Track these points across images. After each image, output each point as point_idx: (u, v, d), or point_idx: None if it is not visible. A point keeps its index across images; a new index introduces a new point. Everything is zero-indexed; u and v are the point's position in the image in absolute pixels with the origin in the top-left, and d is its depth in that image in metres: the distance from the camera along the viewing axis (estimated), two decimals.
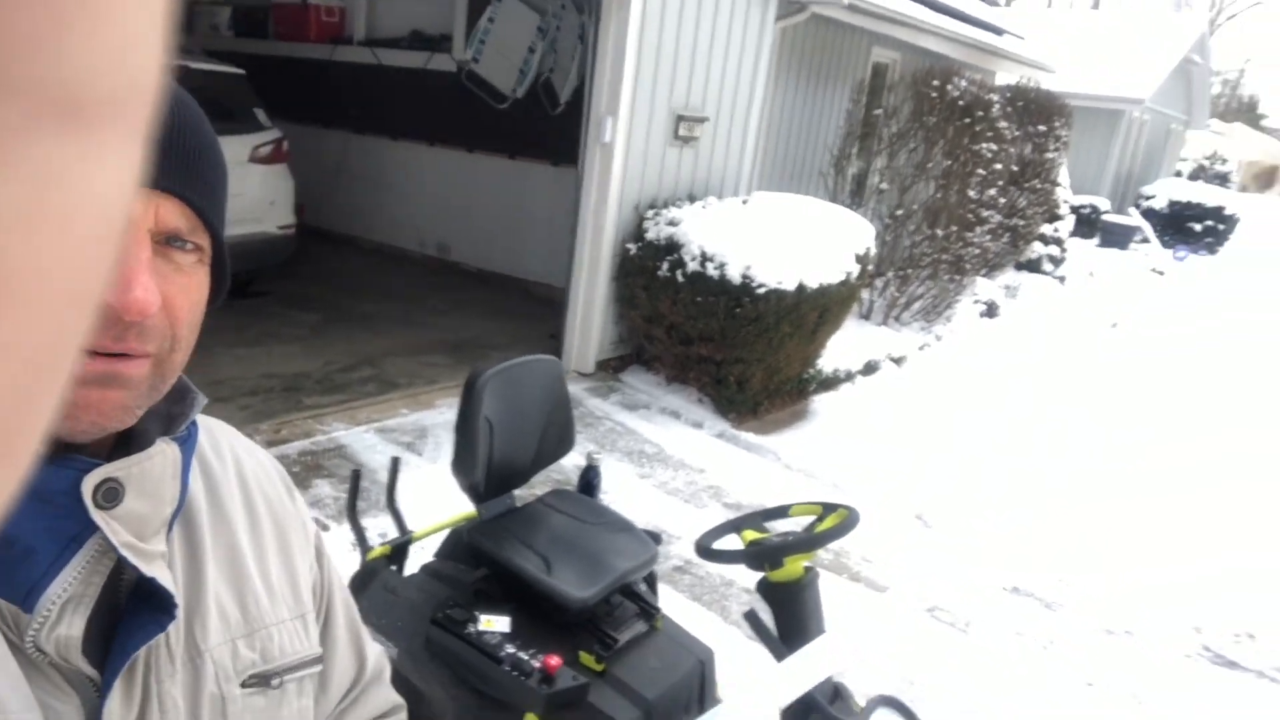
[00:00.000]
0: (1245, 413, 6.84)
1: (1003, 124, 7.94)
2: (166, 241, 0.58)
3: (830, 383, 5.84)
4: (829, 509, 2.19)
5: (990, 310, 8.45)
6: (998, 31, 10.03)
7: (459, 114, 7.34)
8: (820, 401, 5.64)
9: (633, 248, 5.37)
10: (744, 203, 5.71)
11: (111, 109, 0.15)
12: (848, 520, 2.08)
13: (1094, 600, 3.86)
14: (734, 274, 4.91)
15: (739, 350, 5.01)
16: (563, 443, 2.52)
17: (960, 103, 7.35)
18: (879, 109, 7.69)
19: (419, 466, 4.08)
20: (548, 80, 6.84)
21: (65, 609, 0.56)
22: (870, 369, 6.32)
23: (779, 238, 5.14)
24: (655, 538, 2.47)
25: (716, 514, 4.12)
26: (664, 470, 4.48)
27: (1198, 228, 15.02)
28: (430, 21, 7.59)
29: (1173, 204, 15.26)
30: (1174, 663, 3.50)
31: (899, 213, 7.41)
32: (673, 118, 5.65)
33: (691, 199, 5.80)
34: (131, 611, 0.61)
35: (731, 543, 2.16)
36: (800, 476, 4.66)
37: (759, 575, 2.06)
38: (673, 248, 5.16)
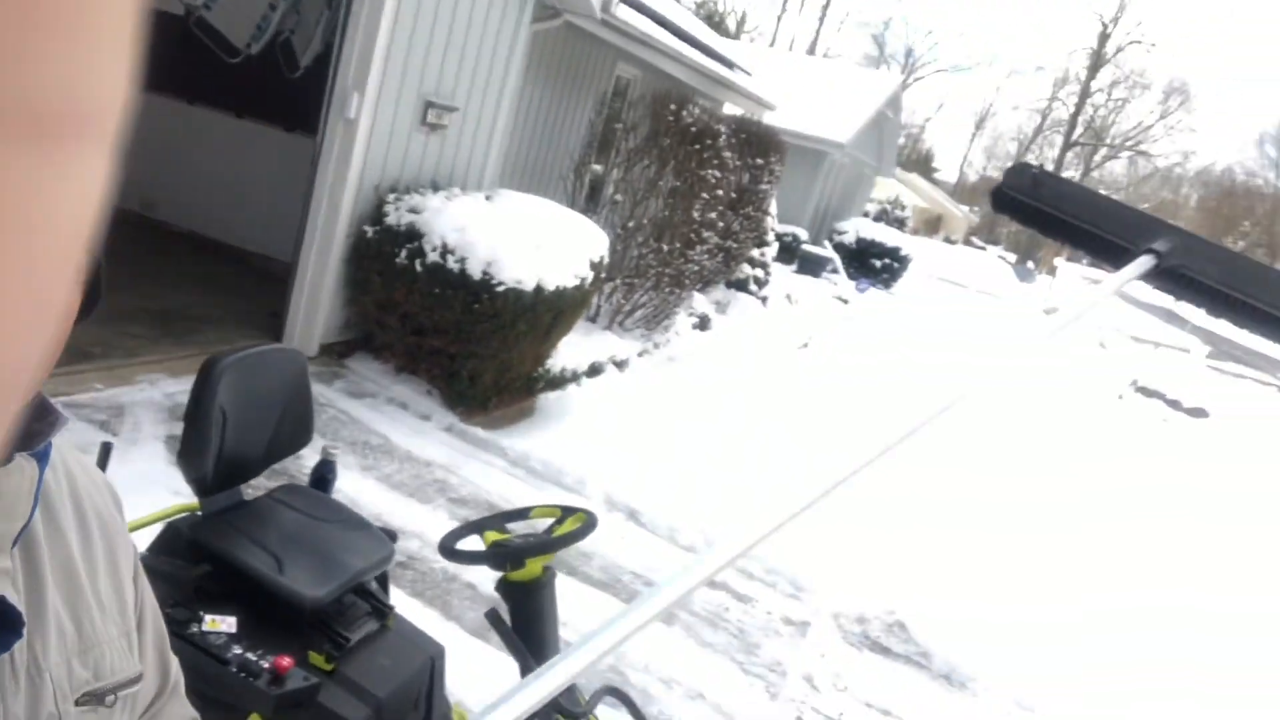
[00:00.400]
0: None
1: (728, 153, 8.59)
2: None
3: (557, 382, 6.03)
4: (568, 512, 2.33)
5: (703, 323, 9.10)
6: (729, 65, 10.83)
7: (181, 62, 6.69)
8: (547, 400, 5.81)
9: (370, 231, 5.22)
10: (488, 198, 5.75)
11: (80, 123, 0.15)
12: (586, 524, 2.22)
13: (782, 608, 4.34)
14: (474, 269, 4.94)
15: (474, 345, 5.05)
16: (299, 436, 2.45)
17: (693, 129, 7.87)
18: (619, 123, 8.04)
19: (117, 450, 3.71)
20: (288, 40, 6.44)
21: None
22: (595, 371, 6.60)
23: (521, 237, 5.24)
24: (391, 535, 2.47)
25: (442, 509, 4.14)
26: (389, 462, 4.42)
27: (878, 264, 17.12)
28: None
29: (860, 240, 17.27)
30: (834, 643, 4.04)
31: (630, 224, 7.79)
32: (422, 103, 5.56)
33: (435, 187, 5.73)
34: None
35: (474, 543, 2.23)
36: (526, 473, 4.79)
37: (497, 574, 2.15)
38: (413, 236, 5.09)
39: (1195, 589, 5.97)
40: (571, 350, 6.30)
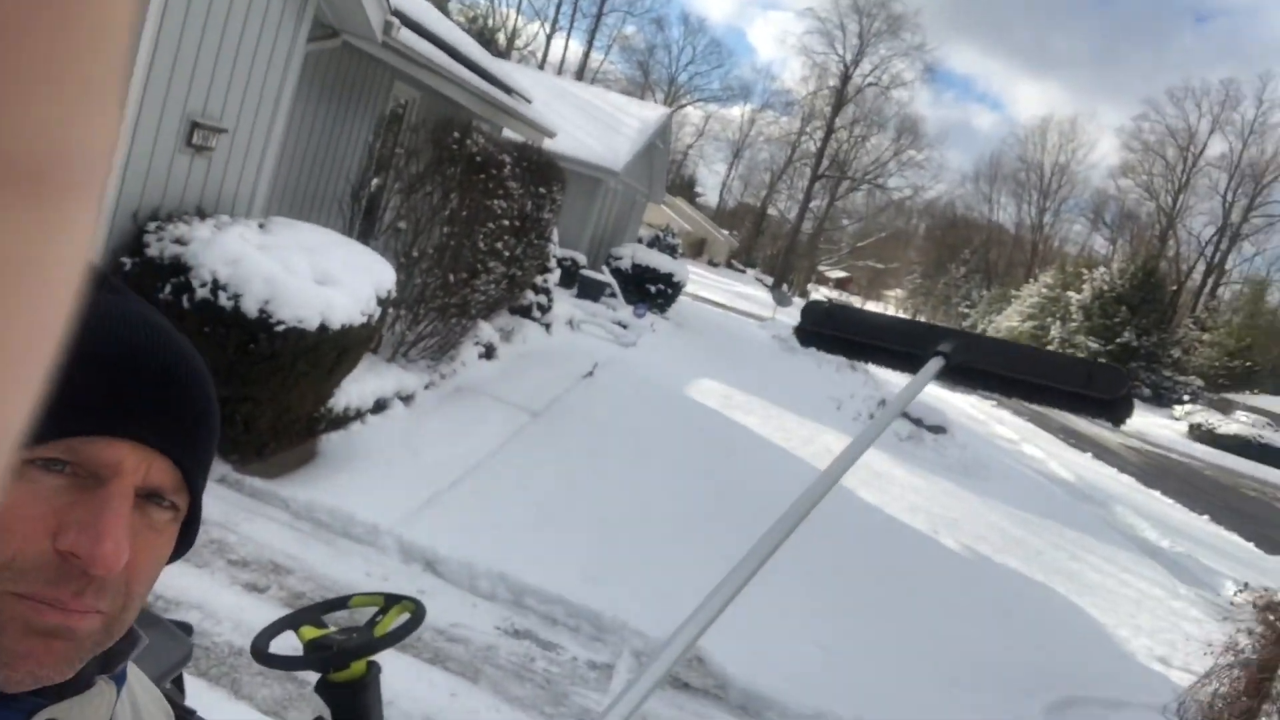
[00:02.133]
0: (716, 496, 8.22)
1: (512, 183, 8.56)
2: (146, 497, 0.57)
3: (340, 421, 5.72)
4: (392, 600, 2.18)
5: (489, 352, 8.99)
6: (509, 91, 10.81)
7: None
8: (330, 442, 5.51)
9: (128, 263, 4.72)
10: (262, 227, 5.37)
11: (66, 174, 0.16)
12: (415, 615, 2.09)
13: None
14: (250, 307, 4.59)
15: (249, 388, 4.68)
16: None
17: (478, 158, 7.78)
18: (400, 147, 7.79)
19: None
20: None
21: None
22: (380, 407, 6.33)
23: (302, 271, 4.94)
24: (185, 628, 2.23)
25: (221, 573, 3.80)
26: None
27: (653, 289, 17.67)
28: None
29: (635, 266, 17.76)
30: None
31: (414, 253, 7.56)
32: (187, 123, 5.11)
33: (201, 214, 5.28)
34: None
35: (289, 641, 2.05)
36: (312, 526, 4.50)
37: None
38: (179, 269, 4.66)
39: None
40: (355, 386, 6.01)
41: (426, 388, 7.33)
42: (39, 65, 0.14)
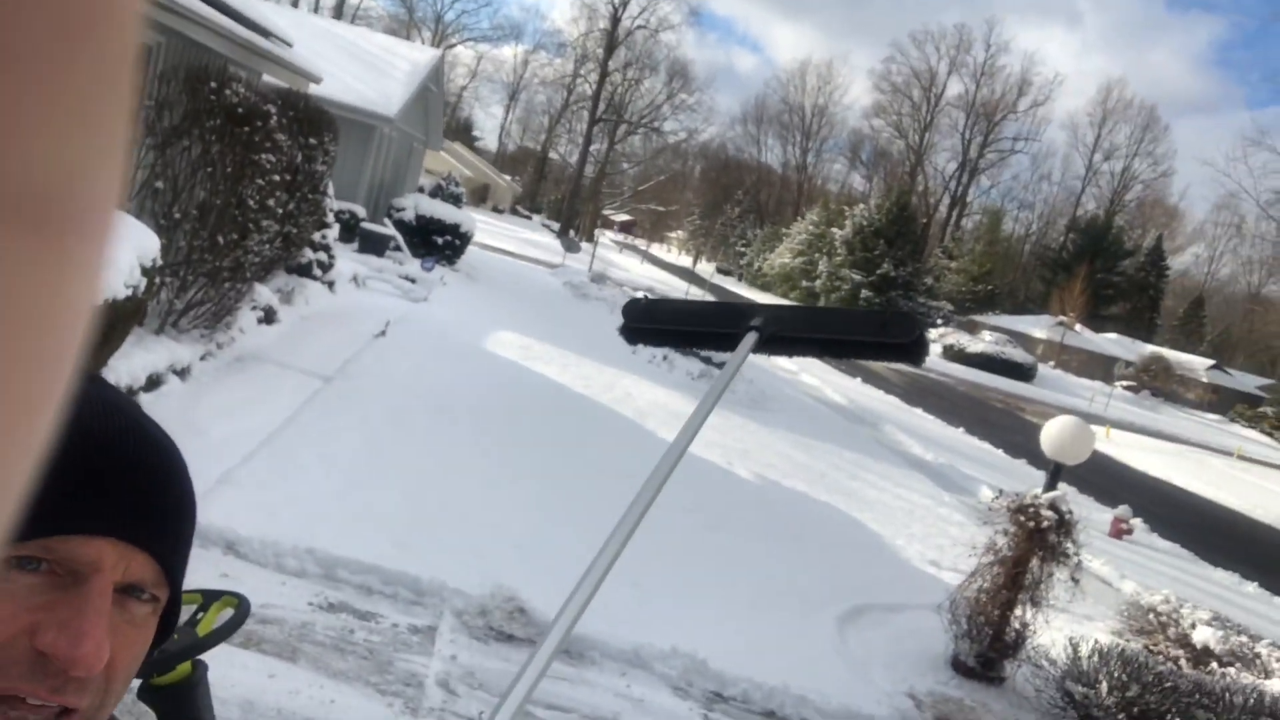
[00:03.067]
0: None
1: (280, 135, 8.01)
2: (125, 591, 0.56)
3: None
4: (211, 597, 2.06)
5: (269, 316, 8.47)
6: (266, 34, 10.04)
7: None
8: None
9: None
10: None
11: (74, 217, 0.16)
12: (239, 610, 1.99)
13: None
14: None
15: None
16: None
17: (239, 110, 7.22)
18: (149, 99, 7.07)
19: None
20: None
21: None
22: (154, 384, 5.84)
23: None
24: None
25: None
26: None
27: (440, 240, 17.19)
28: None
29: (420, 218, 17.18)
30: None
31: (175, 214, 6.95)
32: None
33: None
34: None
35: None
36: None
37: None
38: None
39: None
40: (123, 363, 5.50)
41: (203, 359, 6.83)
42: (43, 104, 0.14)
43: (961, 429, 18.01)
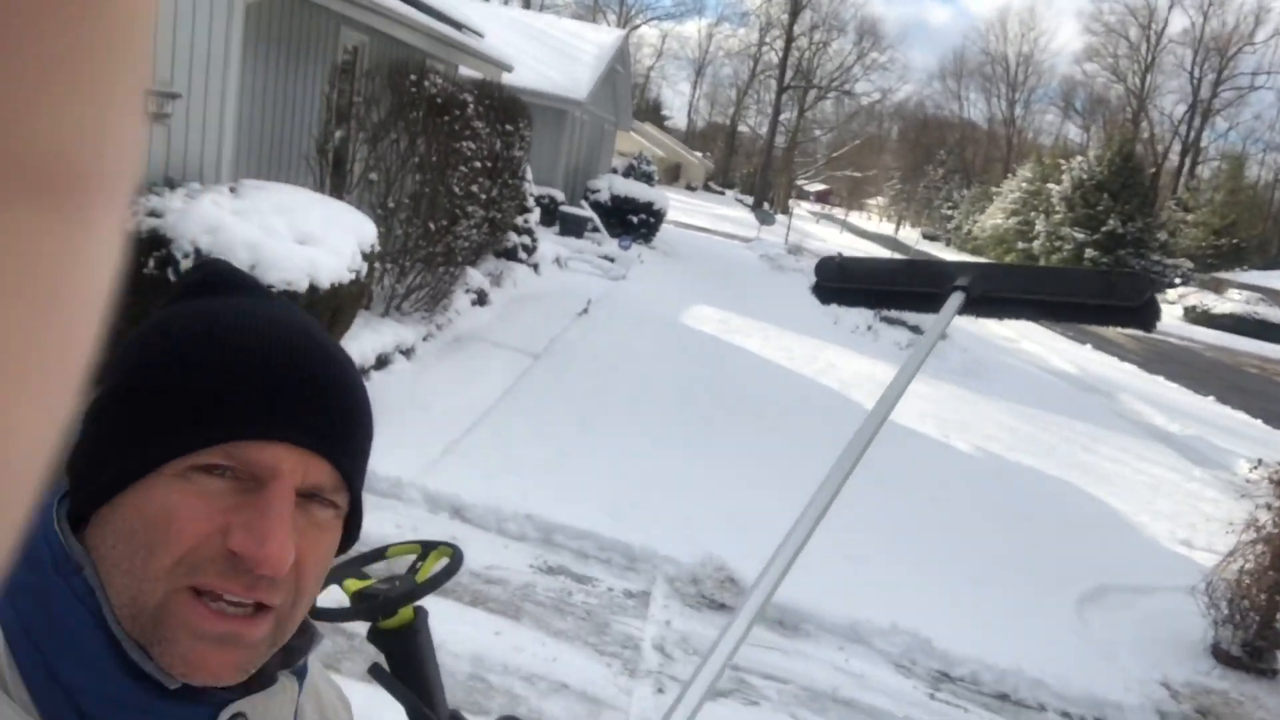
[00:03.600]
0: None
1: (478, 123, 8.32)
2: (308, 496, 0.57)
3: None
4: (429, 547, 2.14)
5: (481, 298, 8.86)
6: (459, 27, 10.46)
7: None
8: None
9: None
10: (232, 191, 5.19)
11: (90, 186, 0.15)
12: (453, 560, 2.05)
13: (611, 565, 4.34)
14: None
15: None
16: None
17: (438, 100, 7.54)
18: (357, 95, 7.54)
19: None
20: None
21: None
22: (382, 363, 6.23)
23: (283, 233, 4.79)
24: None
25: None
26: None
27: (635, 219, 17.43)
28: None
29: (614, 198, 17.48)
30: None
31: (390, 204, 7.37)
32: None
33: (170, 184, 5.10)
34: None
35: (334, 595, 2.00)
36: None
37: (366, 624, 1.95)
38: (159, 242, 4.51)
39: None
40: (354, 345, 5.90)
41: (425, 339, 7.23)
42: (60, 70, 0.14)
43: (1211, 397, 16.17)
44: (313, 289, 4.68)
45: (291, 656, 0.65)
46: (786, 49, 59.28)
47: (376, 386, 5.88)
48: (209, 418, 0.54)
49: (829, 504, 1.25)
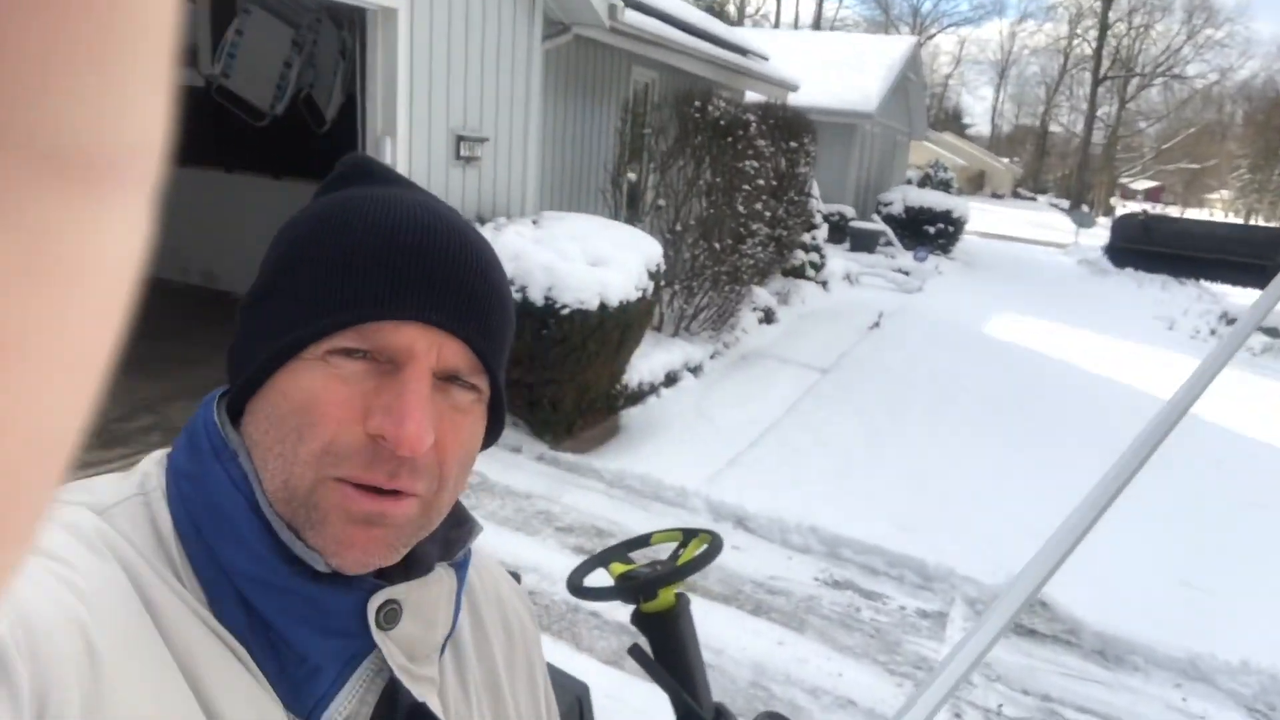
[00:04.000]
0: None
1: (761, 142, 8.38)
2: (446, 380, 0.58)
3: (637, 397, 5.87)
4: (690, 535, 2.16)
5: (768, 316, 8.88)
6: (744, 52, 10.63)
7: (213, 133, 6.73)
8: (631, 416, 5.66)
9: None
10: (535, 223, 5.63)
11: (114, 166, 0.15)
12: (712, 546, 2.05)
13: (913, 587, 4.10)
14: (536, 296, 4.81)
15: (549, 372, 4.92)
16: None
17: (721, 123, 7.70)
18: (647, 128, 7.91)
19: None
20: (309, 96, 6.43)
21: None
22: (672, 380, 6.43)
23: (576, 257, 5.10)
24: (515, 576, 2.32)
25: (551, 539, 4.00)
26: (490, 499, 4.30)
27: (932, 230, 16.66)
28: None
29: (909, 209, 16.83)
30: None
31: (678, 228, 7.62)
32: (453, 138, 5.47)
33: (481, 220, 5.64)
34: None
35: (601, 578, 2.07)
36: (625, 493, 4.63)
37: (629, 608, 1.99)
38: None
39: None
40: (644, 363, 6.14)
41: (712, 357, 7.36)
42: (82, 50, 0.14)
43: None
44: (603, 307, 4.93)
45: (451, 549, 0.65)
46: (1101, 38, 54.02)
47: (665, 402, 6.07)
48: (339, 300, 0.55)
49: (1109, 503, 1.09)
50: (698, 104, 7.58)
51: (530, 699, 0.76)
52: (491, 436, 0.64)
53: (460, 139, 5.51)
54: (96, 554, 0.52)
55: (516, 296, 4.81)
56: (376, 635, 0.56)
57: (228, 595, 0.55)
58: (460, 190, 5.64)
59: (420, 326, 0.55)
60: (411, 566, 0.62)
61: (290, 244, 0.59)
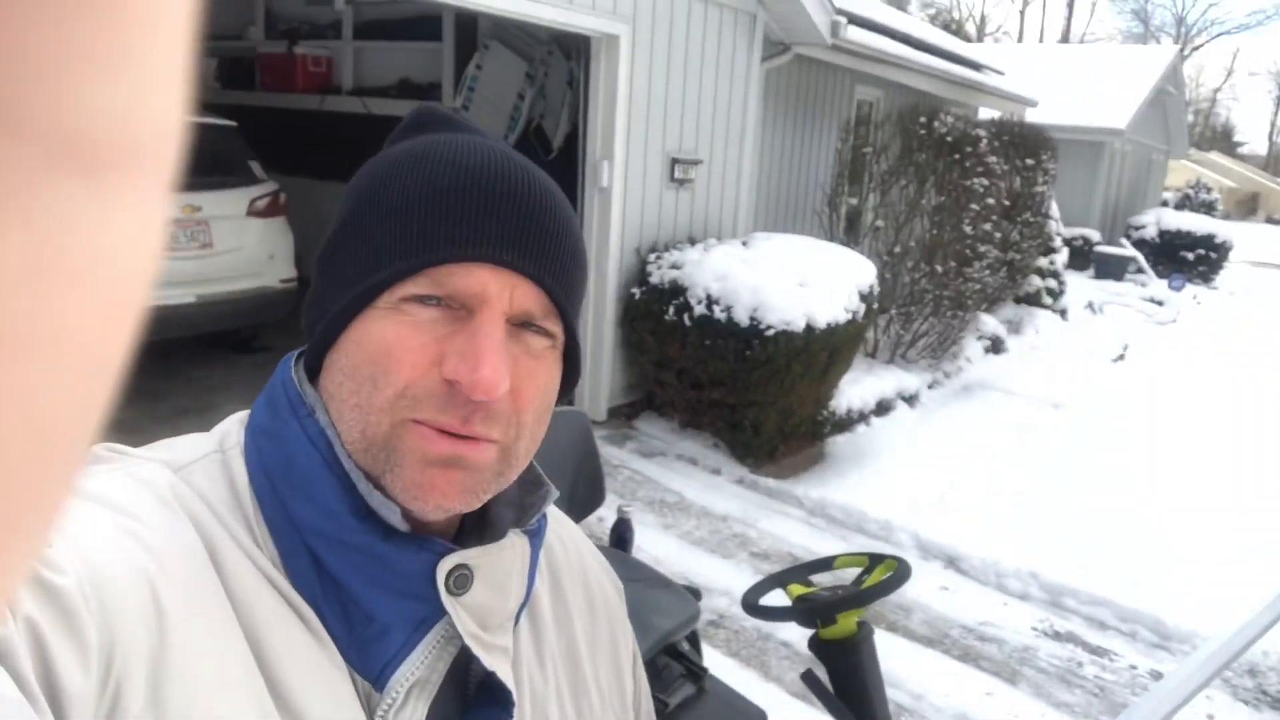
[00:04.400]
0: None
1: (991, 159, 7.92)
2: (520, 324, 0.57)
3: (844, 424, 5.69)
4: (876, 560, 2.04)
5: (995, 345, 8.35)
6: (977, 67, 10.12)
7: None
8: (837, 444, 5.50)
9: (637, 292, 5.25)
10: (744, 244, 5.62)
11: (131, 156, 0.15)
12: (898, 572, 1.93)
13: (1144, 646, 3.69)
14: (741, 316, 4.79)
15: (751, 393, 4.87)
16: (594, 496, 2.36)
17: (948, 139, 7.35)
18: (867, 147, 7.70)
19: None
20: (539, 126, 6.79)
21: (411, 693, 0.56)
22: (883, 409, 6.18)
23: (783, 277, 5.03)
24: (695, 593, 2.30)
25: (745, 564, 3.95)
26: (686, 519, 4.31)
27: (1190, 256, 15.05)
28: (418, 70, 7.57)
29: (1163, 233, 15.30)
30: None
31: (896, 250, 7.35)
32: (667, 160, 5.58)
33: (692, 241, 5.71)
34: (476, 705, 0.60)
35: (778, 598, 2.00)
36: (826, 523, 4.49)
37: (809, 632, 1.91)
38: (678, 291, 5.05)
39: None
40: (854, 389, 5.95)
41: (930, 387, 7.02)
42: (99, 40, 0.14)
43: None
44: (809, 328, 4.83)
45: (526, 514, 0.63)
46: None
47: (875, 431, 5.84)
48: (409, 246, 0.54)
49: None
50: (923, 120, 7.30)
51: (613, 675, 0.73)
52: (568, 387, 0.63)
53: (675, 161, 5.61)
54: (169, 510, 0.52)
55: (721, 316, 4.82)
56: (446, 600, 0.56)
57: (299, 553, 0.55)
58: (673, 212, 5.74)
59: (491, 269, 0.55)
60: (485, 531, 0.61)
61: (358, 195, 0.59)
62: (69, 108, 0.14)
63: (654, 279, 5.20)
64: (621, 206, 5.30)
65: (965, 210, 7.57)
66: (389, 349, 0.54)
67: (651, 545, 3.91)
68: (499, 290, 0.55)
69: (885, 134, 7.35)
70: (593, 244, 5.29)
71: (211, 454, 0.58)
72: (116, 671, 0.44)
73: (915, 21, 9.14)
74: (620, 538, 2.52)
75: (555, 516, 0.76)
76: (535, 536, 0.63)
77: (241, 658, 0.50)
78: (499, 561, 0.58)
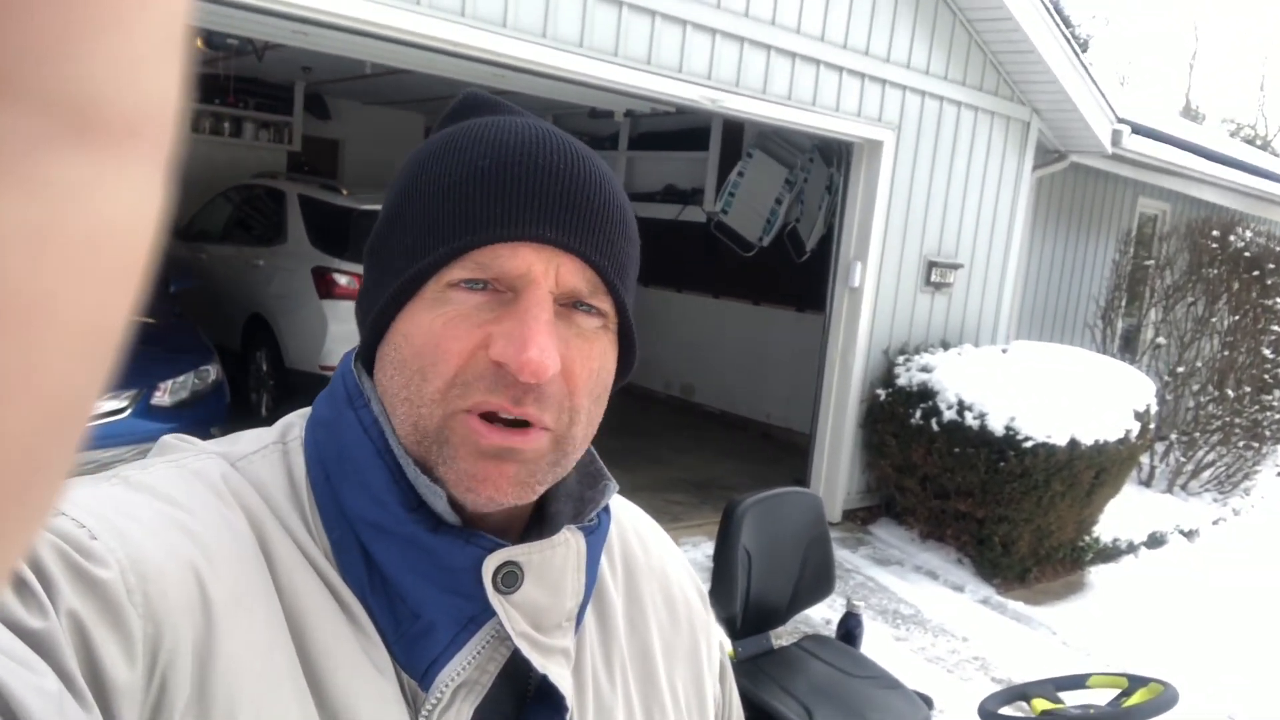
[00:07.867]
0: None
1: None
2: (570, 305, 0.55)
3: (1109, 554, 5.20)
4: (1138, 682, 1.85)
5: None
6: (1278, 179, 9.16)
7: (706, 262, 7.59)
8: (1098, 574, 5.02)
9: (882, 393, 5.16)
10: (1004, 351, 5.38)
11: (130, 127, 0.15)
12: (1164, 697, 1.74)
13: None
14: (996, 425, 4.56)
15: (1003, 508, 4.59)
16: (822, 582, 2.34)
17: (1246, 254, 6.70)
18: (1149, 260, 7.16)
19: None
20: (793, 229, 6.95)
21: (457, 694, 0.53)
22: (1156, 541, 5.58)
23: (1045, 388, 4.75)
24: (927, 701, 2.20)
25: (984, 688, 3.67)
26: (921, 634, 4.09)
27: None
28: (683, 177, 8.02)
29: None
30: None
31: (1179, 370, 6.71)
32: (924, 263, 5.51)
33: (945, 346, 5.54)
34: (531, 708, 0.58)
35: (1020, 710, 1.87)
36: (1080, 655, 4.09)
37: None
38: (926, 395, 4.91)
39: None
40: (1123, 517, 5.43)
41: (1215, 523, 6.25)
42: (105, 11, 0.14)
43: None
44: (1073, 444, 4.51)
45: (584, 510, 0.60)
46: None
47: (1145, 565, 5.27)
48: (450, 229, 0.53)
49: None
50: (1215, 233, 6.72)
51: (693, 684, 0.68)
52: (624, 370, 0.60)
53: (932, 265, 5.53)
54: (221, 501, 0.52)
55: (973, 423, 4.62)
56: (493, 597, 0.53)
57: (350, 546, 0.54)
58: (927, 314, 5.62)
59: (535, 246, 0.53)
60: (540, 526, 0.59)
61: (401, 185, 0.58)
62: (70, 77, 0.14)
63: (901, 380, 5.09)
64: (872, 306, 5.27)
65: (1265, 332, 6.81)
66: (436, 340, 0.53)
67: (881, 657, 3.74)
68: (544, 269, 0.53)
69: (1171, 247, 6.82)
70: (839, 342, 5.29)
71: (273, 445, 0.58)
72: (163, 663, 0.45)
73: (1209, 132, 8.48)
74: (848, 632, 2.46)
75: (633, 514, 0.73)
76: (594, 533, 0.59)
77: (286, 650, 0.50)
78: (550, 559, 0.55)
